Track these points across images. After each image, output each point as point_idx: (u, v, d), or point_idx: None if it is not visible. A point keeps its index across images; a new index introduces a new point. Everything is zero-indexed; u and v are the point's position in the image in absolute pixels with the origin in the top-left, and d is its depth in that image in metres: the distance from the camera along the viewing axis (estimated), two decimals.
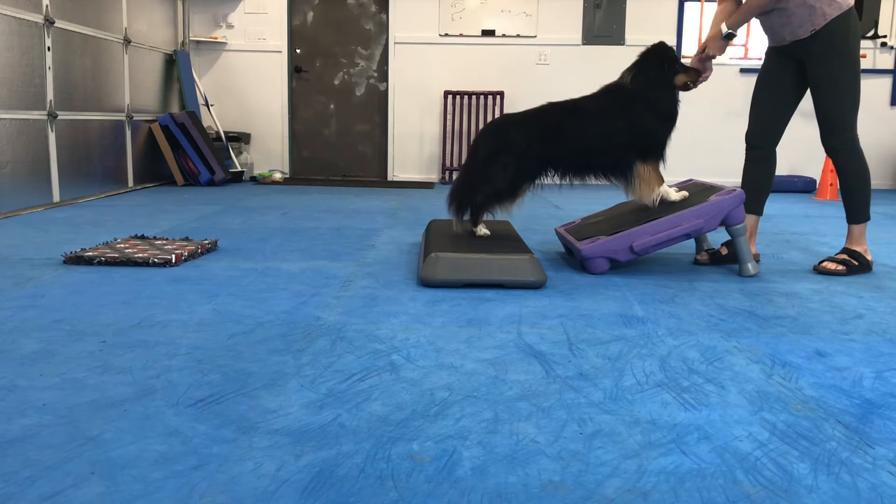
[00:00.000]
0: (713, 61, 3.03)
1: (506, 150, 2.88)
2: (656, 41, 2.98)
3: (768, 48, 3.03)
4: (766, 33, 2.97)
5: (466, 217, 3.00)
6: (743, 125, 7.10)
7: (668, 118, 2.90)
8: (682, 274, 2.88)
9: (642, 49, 2.98)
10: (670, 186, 2.98)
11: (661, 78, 2.90)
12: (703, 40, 2.96)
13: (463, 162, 3.04)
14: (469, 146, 3.18)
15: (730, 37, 2.88)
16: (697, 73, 2.95)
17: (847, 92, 2.80)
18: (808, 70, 2.86)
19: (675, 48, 2.96)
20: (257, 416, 1.43)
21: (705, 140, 7.02)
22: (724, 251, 3.05)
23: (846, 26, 2.77)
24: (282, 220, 4.20)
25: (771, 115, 3.00)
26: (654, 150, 2.89)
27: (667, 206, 2.90)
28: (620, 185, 2.97)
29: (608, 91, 2.97)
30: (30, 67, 4.41)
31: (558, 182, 2.97)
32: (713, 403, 1.54)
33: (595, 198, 5.76)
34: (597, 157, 2.92)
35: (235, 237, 3.55)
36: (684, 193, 2.97)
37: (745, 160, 3.08)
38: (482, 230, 2.97)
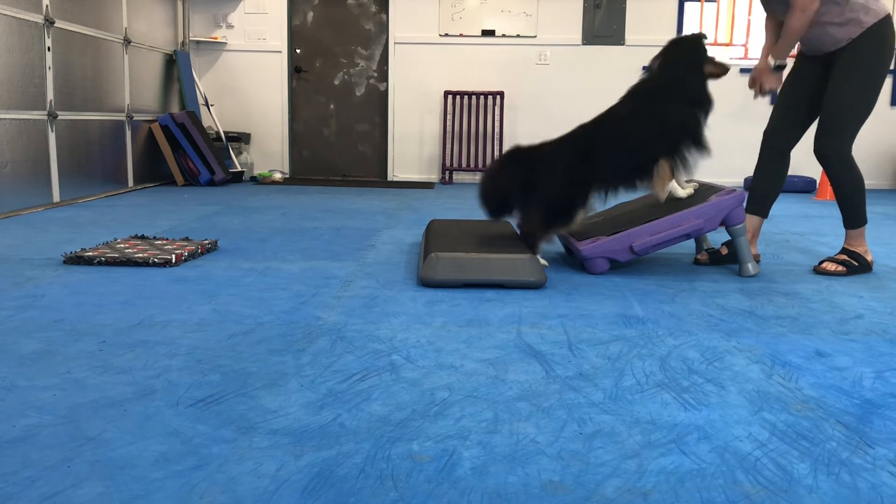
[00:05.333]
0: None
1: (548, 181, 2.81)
2: (694, 33, 2.96)
3: (800, 53, 3.01)
4: (802, 45, 2.94)
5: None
6: (743, 125, 7.13)
7: (697, 104, 2.83)
8: (682, 274, 2.88)
9: (672, 38, 2.99)
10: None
11: (689, 64, 2.84)
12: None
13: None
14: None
15: (780, 68, 2.88)
16: (725, 69, 2.87)
17: (859, 100, 2.77)
18: (833, 70, 2.82)
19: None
20: (257, 416, 1.43)
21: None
22: (724, 251, 3.05)
23: (882, 34, 2.74)
24: (282, 220, 4.20)
25: (792, 117, 2.98)
26: (683, 143, 2.82)
27: (667, 206, 2.90)
28: (644, 184, 2.89)
29: (634, 92, 2.91)
30: (30, 67, 4.41)
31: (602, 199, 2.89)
32: (713, 403, 1.54)
33: None
34: (629, 161, 2.83)
35: (235, 237, 3.55)
36: (690, 190, 2.98)
37: (759, 159, 3.05)
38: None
